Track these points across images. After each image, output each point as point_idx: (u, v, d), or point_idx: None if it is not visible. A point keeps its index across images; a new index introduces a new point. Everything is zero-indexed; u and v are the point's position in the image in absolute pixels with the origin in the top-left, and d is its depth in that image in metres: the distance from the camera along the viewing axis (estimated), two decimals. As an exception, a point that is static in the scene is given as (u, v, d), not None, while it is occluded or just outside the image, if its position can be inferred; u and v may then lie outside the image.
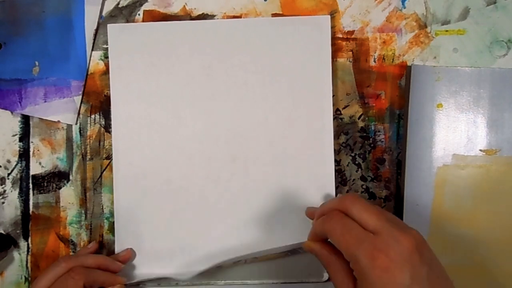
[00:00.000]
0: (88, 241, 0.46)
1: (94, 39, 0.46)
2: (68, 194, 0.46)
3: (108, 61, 0.45)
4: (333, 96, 0.45)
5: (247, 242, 0.44)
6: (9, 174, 0.46)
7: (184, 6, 0.46)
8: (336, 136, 0.45)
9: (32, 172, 0.46)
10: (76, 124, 0.46)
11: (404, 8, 0.45)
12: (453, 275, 0.43)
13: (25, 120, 0.46)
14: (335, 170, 0.44)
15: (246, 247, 0.44)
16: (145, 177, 0.44)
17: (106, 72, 0.46)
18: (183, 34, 0.45)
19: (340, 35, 0.45)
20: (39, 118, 0.46)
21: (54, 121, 0.46)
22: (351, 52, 0.45)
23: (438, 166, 0.43)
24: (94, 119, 0.46)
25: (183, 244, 0.44)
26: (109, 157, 0.46)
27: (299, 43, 0.44)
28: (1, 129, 0.46)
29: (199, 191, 0.44)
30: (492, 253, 0.43)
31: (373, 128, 0.45)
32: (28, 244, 0.46)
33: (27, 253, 0.46)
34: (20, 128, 0.46)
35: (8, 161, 0.46)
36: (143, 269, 0.44)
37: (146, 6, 0.46)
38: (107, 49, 0.46)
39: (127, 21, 0.46)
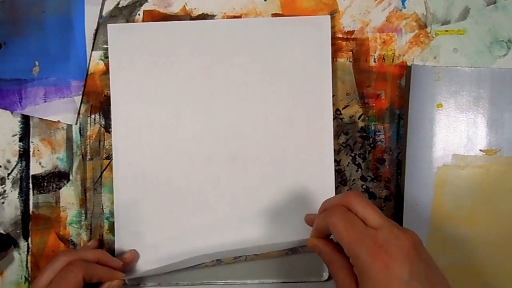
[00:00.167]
0: (88, 241, 0.46)
1: (94, 39, 0.46)
2: (68, 194, 0.46)
3: (108, 61, 0.45)
4: (333, 96, 0.45)
5: (247, 242, 0.44)
6: (9, 174, 0.46)
7: (184, 6, 0.46)
8: (336, 136, 0.45)
9: (32, 172, 0.46)
10: (76, 124, 0.46)
11: (404, 8, 0.45)
12: (453, 275, 0.43)
13: (25, 120, 0.46)
14: (335, 170, 0.44)
15: (246, 246, 0.44)
16: (145, 177, 0.44)
17: (106, 72, 0.46)
18: (183, 34, 0.45)
19: (340, 35, 0.45)
20: (39, 118, 0.46)
21: (54, 121, 0.46)
22: (351, 52, 0.45)
23: (438, 166, 0.43)
24: (94, 119, 0.46)
25: (183, 243, 0.44)
26: (109, 157, 0.46)
27: (299, 43, 0.44)
28: (1, 129, 0.46)
29: (199, 191, 0.44)
30: (492, 253, 0.43)
31: (373, 128, 0.45)
32: (28, 244, 0.46)
33: (27, 253, 0.46)
34: (20, 128, 0.46)
35: (8, 161, 0.46)
36: (143, 268, 0.44)
37: (146, 6, 0.46)
38: (107, 49, 0.46)
39: (127, 21, 0.46)
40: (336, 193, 0.44)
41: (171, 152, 0.44)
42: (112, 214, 0.45)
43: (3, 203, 0.46)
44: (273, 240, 0.44)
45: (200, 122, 0.45)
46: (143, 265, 0.44)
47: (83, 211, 0.46)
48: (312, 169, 0.44)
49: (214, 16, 0.46)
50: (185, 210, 0.44)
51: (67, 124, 0.46)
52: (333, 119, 0.44)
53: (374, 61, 0.45)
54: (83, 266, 0.39)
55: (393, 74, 0.45)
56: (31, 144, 0.46)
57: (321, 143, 0.44)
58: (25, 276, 0.46)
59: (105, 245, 0.46)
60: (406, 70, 0.45)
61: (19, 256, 0.46)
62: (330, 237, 0.36)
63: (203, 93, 0.45)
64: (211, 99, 0.45)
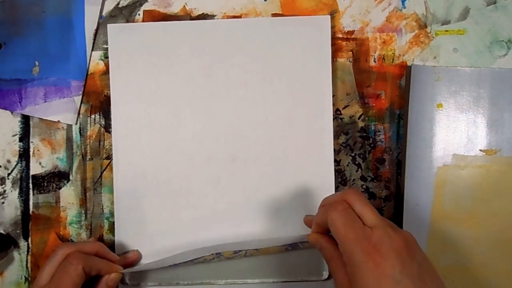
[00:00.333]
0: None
1: (94, 39, 0.46)
2: (68, 194, 0.46)
3: (108, 61, 0.45)
4: (333, 96, 0.45)
5: (247, 242, 0.44)
6: (9, 174, 0.46)
7: (184, 6, 0.46)
8: (336, 136, 0.45)
9: (32, 172, 0.46)
10: (76, 124, 0.46)
11: (404, 8, 0.45)
12: (453, 275, 0.43)
13: (25, 120, 0.46)
14: (335, 170, 0.44)
15: (247, 246, 0.44)
16: (145, 177, 0.44)
17: (106, 72, 0.46)
18: (183, 34, 0.45)
19: (340, 35, 0.45)
20: (39, 118, 0.46)
21: (54, 121, 0.46)
22: (351, 52, 0.45)
23: (438, 166, 0.43)
24: (94, 119, 0.46)
25: (183, 243, 0.44)
26: (109, 157, 0.46)
27: (299, 43, 0.44)
28: (1, 129, 0.46)
29: (199, 191, 0.44)
30: (492, 253, 0.43)
31: (373, 128, 0.45)
32: (28, 244, 0.46)
33: (27, 253, 0.46)
34: (20, 128, 0.46)
35: (8, 161, 0.46)
36: (144, 269, 0.45)
37: (146, 6, 0.46)
38: (107, 49, 0.46)
39: (127, 21, 0.46)
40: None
41: (171, 152, 0.44)
42: (112, 214, 0.45)
43: (3, 203, 0.46)
44: (272, 239, 0.44)
45: (200, 122, 0.45)
46: (144, 265, 0.44)
47: (83, 211, 0.46)
48: (312, 169, 0.44)
49: (214, 16, 0.46)
50: (185, 210, 0.44)
51: (67, 124, 0.46)
52: (333, 119, 0.44)
53: (374, 61, 0.45)
54: (82, 257, 0.39)
55: (393, 74, 0.45)
56: (31, 144, 0.46)
57: (321, 143, 0.44)
58: (25, 276, 0.46)
59: (105, 245, 0.46)
60: (406, 70, 0.45)
61: (19, 256, 0.46)
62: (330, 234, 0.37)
63: (203, 93, 0.45)
64: (211, 99, 0.45)
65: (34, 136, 0.46)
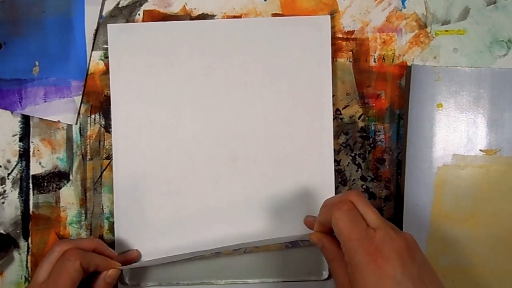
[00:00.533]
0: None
1: (94, 39, 0.46)
2: (68, 194, 0.46)
3: (108, 61, 0.45)
4: (333, 96, 0.45)
5: (247, 241, 0.44)
6: (9, 174, 0.46)
7: (184, 6, 0.46)
8: (336, 136, 0.45)
9: (32, 172, 0.46)
10: (76, 124, 0.46)
11: (404, 8, 0.45)
12: (453, 275, 0.43)
13: (25, 120, 0.46)
14: (335, 170, 0.44)
15: (246, 246, 0.44)
16: (145, 177, 0.44)
17: (106, 72, 0.46)
18: (183, 34, 0.45)
19: (340, 35, 0.45)
20: (39, 118, 0.46)
21: (54, 121, 0.46)
22: (351, 52, 0.45)
23: (438, 166, 0.43)
24: (94, 119, 0.46)
25: (183, 243, 0.44)
26: (109, 157, 0.46)
27: (299, 43, 0.44)
28: (1, 129, 0.46)
29: (199, 191, 0.44)
30: (492, 253, 0.43)
31: (373, 128, 0.45)
32: (28, 244, 0.46)
33: (27, 253, 0.46)
34: (20, 128, 0.46)
35: (8, 161, 0.46)
36: (143, 268, 0.44)
37: (146, 6, 0.46)
38: (107, 49, 0.46)
39: (127, 21, 0.46)
40: (336, 193, 0.44)
41: (171, 152, 0.44)
42: (112, 214, 0.45)
43: (3, 203, 0.46)
44: (273, 239, 0.44)
45: (200, 122, 0.45)
46: (144, 265, 0.44)
47: (83, 211, 0.46)
48: (312, 169, 0.44)
49: (214, 16, 0.46)
50: (185, 210, 0.44)
51: (67, 124, 0.46)
52: (333, 119, 0.44)
53: (374, 61, 0.45)
54: (80, 254, 0.38)
55: (393, 74, 0.45)
56: (31, 144, 0.46)
57: (321, 143, 0.44)
58: (25, 276, 0.46)
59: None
60: (406, 70, 0.45)
61: (19, 256, 0.46)
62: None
63: (203, 93, 0.45)
64: (211, 99, 0.45)
65: (34, 136, 0.46)
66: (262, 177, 0.44)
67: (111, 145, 0.45)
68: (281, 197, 0.44)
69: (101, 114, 0.46)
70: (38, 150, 0.46)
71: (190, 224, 0.44)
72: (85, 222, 0.46)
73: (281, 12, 0.46)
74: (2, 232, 0.46)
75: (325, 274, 0.44)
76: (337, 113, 0.45)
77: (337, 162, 0.45)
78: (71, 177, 0.46)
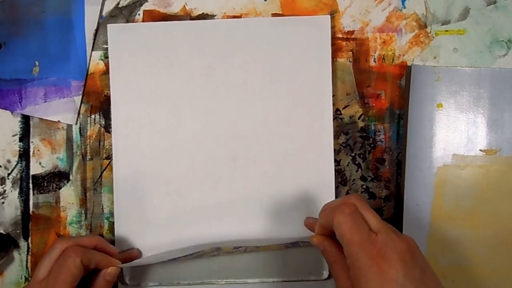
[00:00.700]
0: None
1: (94, 39, 0.46)
2: (68, 194, 0.46)
3: (108, 61, 0.45)
4: (333, 96, 0.45)
5: (247, 240, 0.44)
6: (9, 174, 0.46)
7: (184, 6, 0.46)
8: (336, 136, 0.45)
9: (32, 172, 0.46)
10: (76, 124, 0.46)
11: (404, 8, 0.45)
12: (453, 275, 0.43)
13: (25, 120, 0.46)
14: (335, 170, 0.44)
15: (246, 243, 0.44)
16: (145, 177, 0.44)
17: (106, 72, 0.46)
18: (183, 34, 0.45)
19: (340, 35, 0.45)
20: (39, 118, 0.46)
21: (54, 121, 0.46)
22: (351, 52, 0.45)
23: (438, 166, 0.43)
24: (94, 119, 0.46)
25: (183, 243, 0.44)
26: (109, 157, 0.46)
27: (299, 43, 0.44)
28: (1, 129, 0.46)
29: (199, 191, 0.44)
30: (492, 253, 0.43)
31: (373, 128, 0.45)
32: (28, 244, 0.46)
33: (27, 253, 0.46)
34: (20, 128, 0.46)
35: (8, 161, 0.46)
36: (143, 268, 0.44)
37: (146, 6, 0.46)
38: (107, 49, 0.46)
39: (127, 21, 0.46)
40: (336, 193, 0.44)
41: (171, 152, 0.44)
42: (112, 214, 0.45)
43: (3, 203, 0.46)
44: (272, 239, 0.44)
45: (200, 122, 0.45)
46: (143, 265, 0.44)
47: (83, 211, 0.46)
48: (312, 169, 0.44)
49: (214, 16, 0.46)
50: (185, 210, 0.44)
51: (67, 124, 0.46)
52: (333, 119, 0.44)
53: (374, 61, 0.45)
54: (81, 251, 0.38)
55: (393, 74, 0.45)
56: (31, 144, 0.46)
57: (321, 143, 0.44)
58: (25, 276, 0.46)
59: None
60: (406, 70, 0.45)
61: (19, 256, 0.46)
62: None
63: (203, 93, 0.45)
64: (211, 99, 0.45)
65: (34, 136, 0.46)
66: (262, 177, 0.44)
67: (111, 145, 0.45)
68: (281, 197, 0.44)
69: (101, 114, 0.46)
70: (38, 150, 0.46)
71: (190, 224, 0.44)
72: (85, 222, 0.46)
73: (281, 12, 0.46)
74: (2, 232, 0.46)
75: (325, 274, 0.44)
76: (337, 113, 0.45)
77: (337, 162, 0.45)
78: (71, 177, 0.46)
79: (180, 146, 0.44)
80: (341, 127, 0.45)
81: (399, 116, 0.45)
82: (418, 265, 0.31)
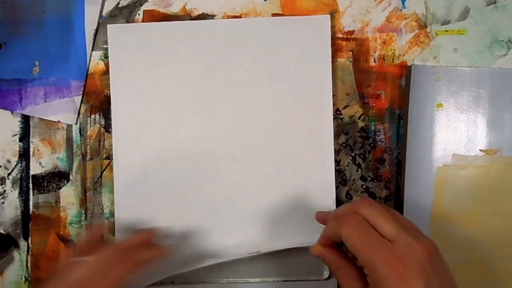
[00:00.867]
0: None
1: (94, 39, 0.46)
2: (68, 194, 0.46)
3: (108, 61, 0.45)
4: (333, 96, 0.45)
5: (247, 241, 0.44)
6: (9, 174, 0.46)
7: (184, 6, 0.46)
8: (336, 136, 0.45)
9: (32, 172, 0.46)
10: (76, 124, 0.46)
11: (404, 8, 0.45)
12: (453, 275, 0.43)
13: (25, 120, 0.46)
14: (335, 170, 0.44)
15: (247, 246, 0.44)
16: (145, 177, 0.44)
17: (106, 72, 0.46)
18: (183, 34, 0.45)
19: (340, 35, 0.45)
20: (39, 118, 0.46)
21: (54, 121, 0.46)
22: (351, 52, 0.45)
23: (438, 166, 0.43)
24: (94, 119, 0.46)
25: (184, 243, 0.44)
26: (109, 157, 0.46)
27: (299, 43, 0.44)
28: (1, 129, 0.46)
29: (199, 191, 0.44)
30: (492, 253, 0.43)
31: (373, 128, 0.45)
32: (28, 244, 0.46)
33: (27, 253, 0.46)
34: (20, 128, 0.46)
35: (8, 161, 0.46)
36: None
37: (146, 6, 0.46)
38: (107, 49, 0.46)
39: (127, 21, 0.46)
40: (336, 193, 0.44)
41: (171, 152, 0.44)
42: (112, 214, 0.45)
43: (3, 203, 0.46)
44: (273, 238, 0.44)
45: (200, 122, 0.45)
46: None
47: (83, 211, 0.46)
48: (312, 169, 0.44)
49: (214, 16, 0.46)
50: (185, 210, 0.44)
51: (67, 124, 0.46)
52: (333, 119, 0.44)
53: (374, 61, 0.45)
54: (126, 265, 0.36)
55: (393, 74, 0.45)
56: (31, 144, 0.46)
57: (321, 143, 0.44)
58: (25, 276, 0.46)
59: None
60: (406, 70, 0.45)
61: (19, 256, 0.46)
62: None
63: (203, 93, 0.45)
64: (211, 99, 0.45)
65: (34, 136, 0.46)
66: (262, 177, 0.44)
67: (111, 145, 0.45)
68: (281, 197, 0.44)
69: (101, 114, 0.46)
70: (38, 150, 0.46)
71: (190, 223, 0.44)
72: (85, 222, 0.46)
73: (281, 12, 0.46)
74: (2, 232, 0.46)
75: (326, 274, 0.44)
76: (337, 113, 0.45)
77: (337, 162, 0.45)
78: (71, 177, 0.46)
79: (180, 146, 0.44)
80: (341, 127, 0.45)
81: (399, 116, 0.45)
82: (437, 271, 0.31)
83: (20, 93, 0.46)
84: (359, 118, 0.45)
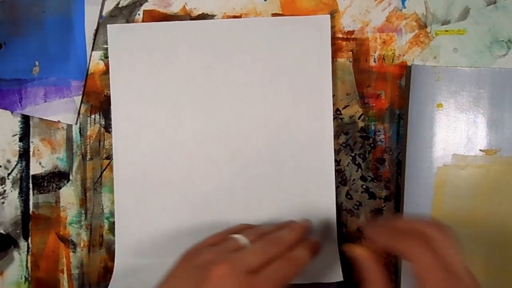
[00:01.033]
0: (88, 241, 0.46)
1: (94, 39, 0.46)
2: (68, 194, 0.46)
3: (108, 61, 0.45)
4: (333, 96, 0.45)
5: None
6: (9, 174, 0.46)
7: (184, 6, 0.46)
8: (336, 136, 0.45)
9: (32, 172, 0.46)
10: (76, 124, 0.46)
11: (404, 8, 0.45)
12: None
13: (25, 120, 0.46)
14: (335, 170, 0.44)
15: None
16: (145, 177, 0.44)
17: (106, 72, 0.46)
18: (183, 34, 0.45)
19: (340, 35, 0.45)
20: (39, 118, 0.46)
21: (54, 121, 0.46)
22: (351, 52, 0.45)
23: (438, 166, 0.43)
24: (94, 119, 0.46)
25: (184, 243, 0.44)
26: (109, 157, 0.46)
27: (299, 43, 0.44)
28: (1, 129, 0.46)
29: (199, 191, 0.44)
30: (492, 253, 0.43)
31: (373, 128, 0.45)
32: (28, 244, 0.46)
33: (27, 253, 0.46)
34: (20, 128, 0.46)
35: (8, 161, 0.46)
36: (144, 269, 0.44)
37: (146, 6, 0.46)
38: (107, 49, 0.46)
39: (127, 21, 0.46)
40: (336, 193, 0.44)
41: (171, 152, 0.44)
42: (112, 214, 0.45)
43: (3, 203, 0.46)
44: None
45: (200, 122, 0.45)
46: (144, 265, 0.44)
47: (83, 211, 0.46)
48: (312, 169, 0.44)
49: (214, 16, 0.46)
50: (186, 210, 0.44)
51: (67, 124, 0.46)
52: (333, 119, 0.44)
53: (374, 61, 0.45)
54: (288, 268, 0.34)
55: (393, 74, 0.45)
56: (31, 144, 0.46)
57: (321, 143, 0.44)
58: (25, 276, 0.46)
59: (105, 245, 0.46)
60: (406, 70, 0.45)
61: (19, 256, 0.46)
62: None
63: (203, 93, 0.45)
64: (211, 99, 0.45)
65: (34, 136, 0.46)
66: (262, 177, 0.44)
67: (111, 145, 0.45)
68: (281, 197, 0.44)
69: (101, 114, 0.46)
70: (38, 150, 0.46)
71: (191, 224, 0.44)
72: (85, 222, 0.46)
73: (281, 12, 0.46)
74: (2, 232, 0.46)
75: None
76: (337, 113, 0.45)
77: (337, 162, 0.45)
78: (71, 177, 0.46)
79: (180, 146, 0.44)
80: (341, 127, 0.45)
81: (399, 116, 0.45)
82: None
83: (20, 93, 0.46)
84: (359, 118, 0.45)
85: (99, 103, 0.46)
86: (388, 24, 0.45)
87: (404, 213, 0.43)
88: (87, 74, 0.46)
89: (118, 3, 0.46)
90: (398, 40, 0.45)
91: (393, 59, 0.45)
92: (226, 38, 0.45)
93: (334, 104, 0.45)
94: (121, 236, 0.44)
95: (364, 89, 0.45)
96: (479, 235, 0.43)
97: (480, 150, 0.43)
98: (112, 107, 0.45)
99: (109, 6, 0.46)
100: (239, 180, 0.44)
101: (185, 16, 0.46)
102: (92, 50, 0.46)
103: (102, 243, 0.46)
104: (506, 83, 0.43)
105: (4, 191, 0.46)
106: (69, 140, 0.46)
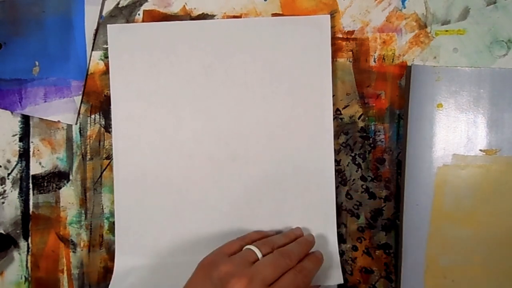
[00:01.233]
0: (88, 241, 0.46)
1: (94, 39, 0.46)
2: (68, 194, 0.46)
3: (108, 61, 0.45)
4: (333, 96, 0.45)
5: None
6: (9, 174, 0.46)
7: (184, 6, 0.46)
8: (336, 136, 0.45)
9: (32, 172, 0.46)
10: (76, 124, 0.46)
11: (404, 8, 0.45)
12: (453, 275, 0.43)
13: (25, 120, 0.46)
14: (335, 170, 0.44)
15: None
16: (145, 177, 0.44)
17: (106, 72, 0.46)
18: (183, 34, 0.45)
19: (340, 35, 0.45)
20: (39, 118, 0.46)
21: (54, 121, 0.46)
22: (351, 52, 0.45)
23: (438, 166, 0.43)
24: (94, 119, 0.46)
25: (184, 243, 0.44)
26: (109, 157, 0.46)
27: (299, 43, 0.44)
28: (1, 129, 0.46)
29: (200, 191, 0.44)
30: (492, 253, 0.43)
31: (373, 128, 0.45)
32: (28, 244, 0.46)
33: (27, 253, 0.46)
34: (20, 128, 0.46)
35: (8, 161, 0.46)
36: (144, 269, 0.44)
37: (146, 6, 0.46)
38: (107, 49, 0.46)
39: (127, 21, 0.46)
40: (336, 193, 0.44)
41: (171, 152, 0.44)
42: (112, 214, 0.45)
43: (3, 203, 0.46)
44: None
45: (200, 122, 0.45)
46: (144, 266, 0.44)
47: (83, 211, 0.46)
48: (312, 169, 0.44)
49: (214, 16, 0.46)
50: (186, 210, 0.44)
51: (67, 124, 0.46)
52: (333, 119, 0.44)
53: (374, 61, 0.45)
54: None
55: (393, 74, 0.45)
56: (31, 144, 0.46)
57: (321, 143, 0.44)
58: (25, 276, 0.46)
59: (105, 245, 0.46)
60: (406, 70, 0.45)
61: (19, 256, 0.46)
62: None
63: (203, 93, 0.45)
64: (211, 99, 0.45)
65: (34, 136, 0.46)
66: (262, 177, 0.44)
67: (111, 145, 0.45)
68: (281, 197, 0.44)
69: (101, 114, 0.46)
70: (38, 150, 0.46)
71: (191, 223, 0.44)
72: (85, 222, 0.46)
73: (281, 12, 0.46)
74: (2, 232, 0.46)
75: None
76: (337, 113, 0.45)
77: (337, 162, 0.45)
78: (71, 177, 0.46)
79: (180, 146, 0.44)
80: (341, 127, 0.45)
81: (399, 116, 0.45)
82: None
83: (20, 93, 0.46)
84: (359, 118, 0.45)
85: (99, 103, 0.46)
86: (388, 24, 0.45)
87: (404, 213, 0.43)
88: (87, 74, 0.46)
89: (118, 3, 0.46)
90: (398, 40, 0.45)
91: (393, 59, 0.45)
92: (226, 38, 0.45)
93: (334, 104, 0.45)
94: (121, 236, 0.44)
95: (364, 89, 0.45)
96: (479, 235, 0.43)
97: (480, 150, 0.43)
98: (112, 107, 0.45)
99: (109, 6, 0.46)
100: (239, 180, 0.44)
101: (185, 16, 0.46)
102: (92, 50, 0.46)
103: (102, 243, 0.46)
104: (506, 83, 0.43)
105: (4, 191, 0.46)
106: (69, 140, 0.46)
